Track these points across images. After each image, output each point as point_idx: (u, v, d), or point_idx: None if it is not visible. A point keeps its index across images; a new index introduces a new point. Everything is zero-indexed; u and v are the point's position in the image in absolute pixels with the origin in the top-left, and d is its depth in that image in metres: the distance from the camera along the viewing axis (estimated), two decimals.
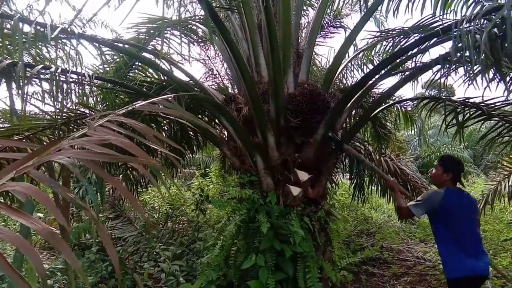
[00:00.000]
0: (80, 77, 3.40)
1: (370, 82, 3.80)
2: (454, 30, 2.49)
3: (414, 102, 5.02)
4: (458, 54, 2.49)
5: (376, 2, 3.78)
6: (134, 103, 1.83)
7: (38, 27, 2.97)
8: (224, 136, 4.33)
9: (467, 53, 2.45)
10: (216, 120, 4.72)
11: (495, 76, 2.92)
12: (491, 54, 2.40)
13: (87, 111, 4.12)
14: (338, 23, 6.59)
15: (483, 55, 2.26)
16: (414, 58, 3.83)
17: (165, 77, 4.38)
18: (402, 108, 5.89)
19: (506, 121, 3.76)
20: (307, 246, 3.21)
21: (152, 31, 4.69)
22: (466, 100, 3.93)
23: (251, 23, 3.61)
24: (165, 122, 4.98)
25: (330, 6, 6.00)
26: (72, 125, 4.05)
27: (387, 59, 3.60)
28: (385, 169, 5.83)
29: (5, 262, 0.78)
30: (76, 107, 4.13)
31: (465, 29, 2.42)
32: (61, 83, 3.28)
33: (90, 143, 1.19)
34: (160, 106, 1.95)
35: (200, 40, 5.64)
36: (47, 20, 2.96)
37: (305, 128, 3.50)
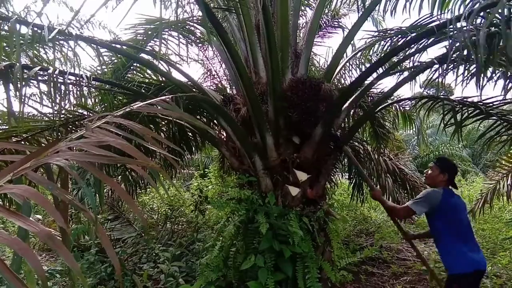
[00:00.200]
0: (78, 78, 3.39)
1: (368, 81, 3.80)
2: (450, 27, 2.49)
3: (413, 102, 5.02)
4: (456, 54, 2.50)
5: (374, 2, 3.79)
6: (132, 104, 1.83)
7: (36, 29, 2.97)
8: (222, 137, 4.32)
9: (464, 52, 2.45)
10: (215, 121, 4.72)
11: (493, 75, 2.93)
12: (488, 52, 2.40)
13: (85, 112, 4.12)
14: (336, 23, 6.60)
15: (479, 54, 2.26)
16: (412, 58, 3.84)
17: (163, 78, 4.38)
18: (401, 108, 5.89)
19: (504, 120, 3.77)
20: (306, 247, 3.21)
21: (150, 32, 4.69)
22: (465, 99, 3.94)
23: (249, 23, 3.61)
24: (163, 123, 4.98)
25: (328, 6, 6.02)
26: (70, 126, 4.05)
27: (385, 56, 3.61)
28: (383, 169, 5.84)
29: (3, 265, 0.78)
30: (74, 109, 4.12)
31: (462, 27, 2.41)
32: (59, 84, 3.28)
33: (88, 144, 1.18)
34: (159, 107, 1.95)
35: (198, 41, 5.63)
36: (45, 22, 2.97)
37: (305, 121, 3.48)
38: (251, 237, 3.37)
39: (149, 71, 4.71)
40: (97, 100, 4.46)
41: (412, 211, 2.98)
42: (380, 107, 4.42)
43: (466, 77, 3.09)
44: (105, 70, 4.32)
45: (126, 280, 4.27)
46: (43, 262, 6.08)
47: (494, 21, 2.44)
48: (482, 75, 2.78)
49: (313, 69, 6.34)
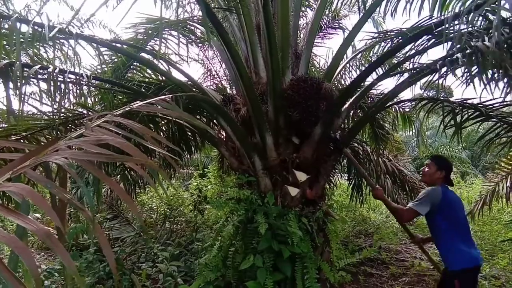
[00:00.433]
0: (78, 77, 3.39)
1: (368, 82, 3.81)
2: (446, 24, 2.50)
3: (412, 103, 5.02)
4: (458, 55, 2.50)
5: (374, 3, 3.79)
6: (132, 104, 1.83)
7: (36, 27, 2.97)
8: (222, 137, 4.32)
9: (459, 55, 2.46)
10: (215, 121, 4.71)
11: (493, 77, 2.93)
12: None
13: (85, 111, 4.11)
14: (336, 24, 6.60)
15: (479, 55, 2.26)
16: (413, 59, 3.84)
17: (163, 78, 4.38)
18: (400, 109, 5.89)
19: (504, 122, 3.77)
20: (305, 247, 3.21)
21: (150, 32, 4.69)
22: (464, 101, 3.93)
23: (249, 23, 3.61)
24: (163, 122, 4.98)
25: (329, 7, 6.01)
26: (70, 125, 4.04)
27: (385, 55, 3.63)
28: (383, 170, 5.84)
29: (0, 263, 0.77)
30: (74, 108, 4.12)
31: (460, 30, 2.42)
32: (59, 83, 3.28)
33: (87, 143, 1.18)
34: (158, 107, 1.94)
35: (198, 40, 5.63)
36: (45, 20, 2.96)
37: (305, 121, 3.48)
38: (250, 237, 3.37)
39: (149, 71, 4.71)
40: (97, 99, 4.46)
41: (417, 212, 3.01)
42: (382, 106, 4.41)
43: (465, 79, 3.09)
44: (105, 69, 4.32)
45: (125, 280, 4.27)
46: (41, 261, 6.08)
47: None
48: (482, 76, 2.79)
49: (313, 69, 6.35)
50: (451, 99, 4.22)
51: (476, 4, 2.38)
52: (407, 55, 3.83)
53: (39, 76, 3.32)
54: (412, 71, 3.79)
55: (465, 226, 3.03)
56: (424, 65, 3.51)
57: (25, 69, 2.94)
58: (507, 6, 2.15)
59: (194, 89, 4.10)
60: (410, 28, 3.77)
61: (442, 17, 2.83)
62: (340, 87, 5.55)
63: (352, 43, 4.72)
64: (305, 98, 3.43)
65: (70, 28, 3.22)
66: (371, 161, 5.70)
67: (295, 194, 3.45)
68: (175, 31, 4.61)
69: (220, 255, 3.41)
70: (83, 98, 3.83)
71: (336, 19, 6.55)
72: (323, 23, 6.37)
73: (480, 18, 2.72)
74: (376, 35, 4.68)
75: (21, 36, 2.83)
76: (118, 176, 5.40)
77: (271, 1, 3.78)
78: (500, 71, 2.82)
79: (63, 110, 3.87)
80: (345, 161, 5.84)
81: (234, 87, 4.69)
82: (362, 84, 4.18)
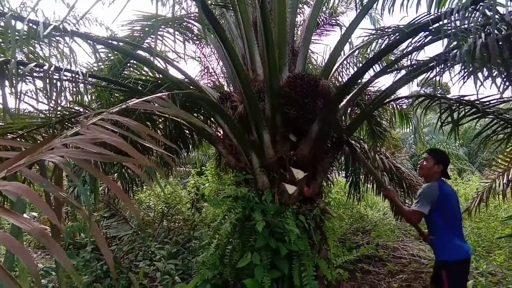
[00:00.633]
0: (74, 75, 3.37)
1: (364, 79, 3.80)
2: (444, 20, 2.49)
3: (410, 100, 5.03)
4: (454, 52, 2.49)
5: (372, 0, 3.78)
6: (128, 101, 1.82)
7: (31, 25, 2.94)
8: (219, 134, 4.31)
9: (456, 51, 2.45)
10: (212, 119, 4.70)
11: (490, 74, 2.92)
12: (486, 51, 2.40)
13: (81, 109, 4.09)
14: (333, 21, 6.59)
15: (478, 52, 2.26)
16: (410, 56, 3.83)
17: (160, 75, 4.36)
18: (398, 106, 5.90)
19: (500, 119, 3.78)
20: (303, 244, 3.21)
21: (147, 29, 4.65)
22: (461, 98, 3.93)
23: (246, 20, 3.59)
24: (160, 120, 4.96)
25: (326, 4, 6.01)
26: (66, 123, 4.02)
27: (382, 51, 3.62)
28: (380, 167, 5.84)
29: None
30: (71, 106, 4.09)
31: (457, 26, 2.41)
32: (54, 81, 3.25)
33: (83, 141, 1.17)
34: (155, 105, 1.93)
35: (195, 38, 5.60)
36: (40, 18, 2.94)
37: (302, 118, 3.48)
38: (247, 235, 3.37)
39: (146, 68, 4.68)
40: (93, 97, 4.44)
41: (423, 214, 3.05)
42: (379, 105, 4.41)
43: (462, 76, 3.08)
44: (102, 66, 4.30)
45: (122, 278, 4.26)
46: (38, 260, 6.06)
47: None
48: (477, 73, 2.78)
49: (310, 67, 6.34)
50: (449, 96, 4.22)
51: (472, 0, 2.38)
52: (404, 51, 3.83)
53: (35, 74, 3.30)
54: (410, 68, 3.79)
55: (458, 221, 3.13)
56: (422, 62, 3.51)
57: (21, 67, 2.92)
58: (503, 1, 2.15)
59: (191, 87, 4.09)
60: (407, 25, 3.76)
61: (439, 13, 2.82)
62: (338, 84, 5.54)
63: (349, 40, 4.71)
64: (302, 96, 3.42)
65: (66, 25, 3.20)
66: (368, 158, 5.70)
67: (293, 192, 3.45)
68: (172, 28, 4.58)
69: (218, 253, 3.40)
70: (79, 96, 3.81)
71: (333, 16, 6.54)
72: (320, 20, 6.35)
73: (477, 14, 2.71)
74: (374, 31, 4.67)
75: (16, 33, 2.81)
76: (115, 174, 5.39)
77: None
78: (500, 68, 2.82)
79: (59, 108, 3.84)
80: (342, 158, 5.85)
81: (231, 85, 4.67)
82: (359, 81, 4.18)
